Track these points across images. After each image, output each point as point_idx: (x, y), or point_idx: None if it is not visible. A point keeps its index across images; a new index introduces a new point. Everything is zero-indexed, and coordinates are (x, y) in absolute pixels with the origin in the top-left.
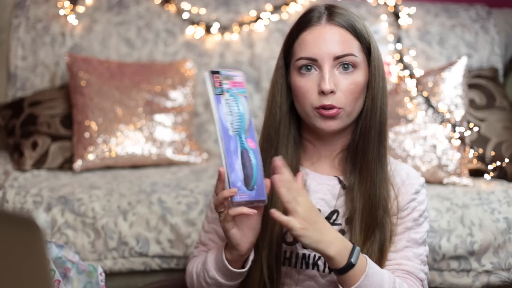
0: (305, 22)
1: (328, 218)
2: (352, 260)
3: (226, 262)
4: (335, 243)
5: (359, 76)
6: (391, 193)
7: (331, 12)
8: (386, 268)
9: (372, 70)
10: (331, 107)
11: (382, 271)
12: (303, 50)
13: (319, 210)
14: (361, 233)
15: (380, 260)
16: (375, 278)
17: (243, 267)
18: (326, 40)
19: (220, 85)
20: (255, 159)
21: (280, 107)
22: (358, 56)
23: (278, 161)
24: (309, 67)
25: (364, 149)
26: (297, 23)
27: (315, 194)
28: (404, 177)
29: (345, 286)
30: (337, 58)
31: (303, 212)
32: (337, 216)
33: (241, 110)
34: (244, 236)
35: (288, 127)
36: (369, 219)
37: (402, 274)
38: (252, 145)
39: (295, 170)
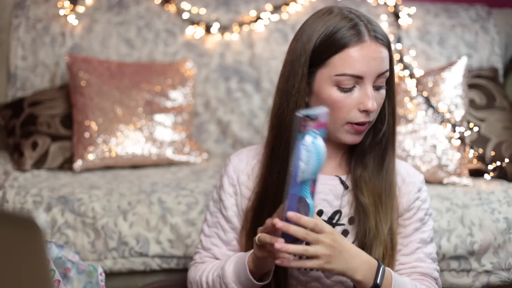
0: (348, 36)
1: (331, 218)
2: (378, 281)
3: (251, 276)
4: (361, 268)
5: (384, 90)
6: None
7: (373, 28)
8: (401, 272)
9: (394, 79)
10: (364, 123)
11: (404, 281)
12: (349, 67)
13: (322, 210)
14: (379, 225)
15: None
16: None
17: (261, 279)
18: (373, 59)
19: (305, 128)
20: (311, 206)
21: (291, 112)
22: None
23: (293, 215)
24: (351, 84)
25: (382, 155)
26: (337, 35)
27: (318, 195)
28: (404, 175)
29: None
30: (378, 76)
31: (328, 243)
32: (340, 216)
33: (317, 163)
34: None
35: None
36: (384, 212)
37: (419, 277)
38: (312, 189)
39: None
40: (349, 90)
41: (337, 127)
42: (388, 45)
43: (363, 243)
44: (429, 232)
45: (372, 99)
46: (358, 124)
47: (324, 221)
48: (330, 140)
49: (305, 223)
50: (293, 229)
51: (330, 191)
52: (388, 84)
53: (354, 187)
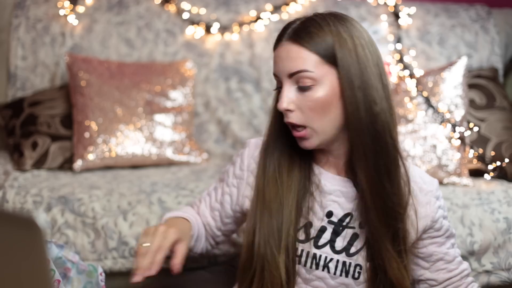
0: (276, 40)
1: (341, 220)
2: None
3: None
4: None
5: (318, 92)
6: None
7: (296, 27)
8: (454, 279)
9: (345, 80)
10: (296, 126)
11: None
12: (273, 67)
13: (331, 212)
14: (385, 243)
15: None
16: None
17: None
18: (282, 58)
19: None
20: None
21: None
22: (316, 71)
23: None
24: (279, 83)
25: (362, 163)
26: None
27: (329, 196)
28: (420, 183)
29: None
30: (291, 75)
31: None
32: (350, 219)
33: None
34: None
35: None
36: (389, 229)
37: (469, 279)
38: None
39: (308, 167)
40: (279, 89)
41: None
42: (308, 44)
43: (373, 250)
44: (454, 235)
45: (284, 98)
46: (292, 127)
47: (334, 222)
48: (331, 141)
49: None
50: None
51: (341, 193)
52: (342, 84)
53: (361, 196)
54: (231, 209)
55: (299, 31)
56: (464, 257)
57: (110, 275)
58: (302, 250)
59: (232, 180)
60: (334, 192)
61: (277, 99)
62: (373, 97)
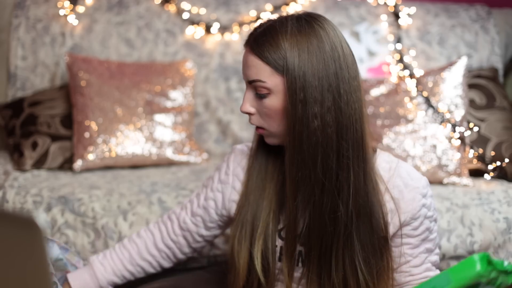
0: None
1: None
2: None
3: None
4: None
5: (272, 101)
6: (389, 199)
7: (256, 35)
8: (413, 283)
9: (291, 94)
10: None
11: None
12: None
13: None
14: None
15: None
16: None
17: None
18: (243, 64)
19: None
20: None
21: None
22: (268, 81)
23: None
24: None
25: (301, 170)
26: None
27: None
28: (406, 179)
29: None
30: (250, 82)
31: None
32: None
33: None
34: None
35: None
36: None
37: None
38: None
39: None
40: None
41: None
42: (262, 55)
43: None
44: (434, 240)
45: (244, 102)
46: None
47: None
48: None
49: None
50: None
51: None
52: (288, 101)
53: None
54: (216, 213)
55: (257, 40)
56: (464, 257)
57: None
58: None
59: (217, 185)
60: None
61: None
62: (314, 112)
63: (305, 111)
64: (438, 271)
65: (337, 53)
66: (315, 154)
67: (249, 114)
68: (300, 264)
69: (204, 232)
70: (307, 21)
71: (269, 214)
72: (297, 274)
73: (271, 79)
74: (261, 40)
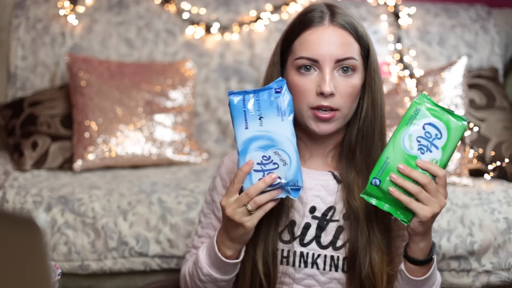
0: (307, 20)
1: (324, 214)
2: (433, 256)
3: (220, 255)
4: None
5: (357, 79)
6: None
7: (334, 13)
8: None
9: (372, 73)
10: (328, 109)
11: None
12: (304, 50)
13: (314, 207)
14: (371, 238)
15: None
16: (436, 271)
17: (236, 258)
18: (329, 42)
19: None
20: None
21: None
22: (358, 59)
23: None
24: (308, 67)
25: (367, 151)
26: (298, 21)
27: (310, 191)
28: None
29: (416, 275)
30: (338, 61)
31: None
32: (334, 212)
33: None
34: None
35: None
36: (379, 224)
37: None
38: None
39: None
40: (307, 73)
41: (303, 115)
42: (355, 33)
43: (355, 246)
44: None
45: (329, 82)
46: (319, 109)
47: (317, 217)
48: (313, 135)
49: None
50: (415, 174)
51: (322, 187)
52: (369, 76)
53: (346, 188)
54: None
55: (344, 18)
56: (464, 257)
57: (110, 275)
58: (289, 251)
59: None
60: (315, 187)
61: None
62: (383, 96)
63: (382, 88)
64: None
65: None
66: (382, 133)
67: (331, 95)
68: (327, 269)
69: None
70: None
71: (270, 217)
72: (323, 278)
73: (359, 58)
74: (350, 20)
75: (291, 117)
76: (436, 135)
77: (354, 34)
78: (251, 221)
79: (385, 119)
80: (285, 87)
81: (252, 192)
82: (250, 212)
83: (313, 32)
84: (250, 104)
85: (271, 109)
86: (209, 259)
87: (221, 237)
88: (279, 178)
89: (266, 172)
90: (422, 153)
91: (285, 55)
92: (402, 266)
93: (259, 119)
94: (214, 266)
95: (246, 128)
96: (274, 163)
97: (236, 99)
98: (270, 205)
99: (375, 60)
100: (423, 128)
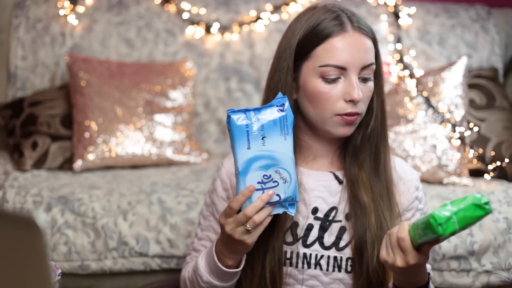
0: (330, 27)
1: (327, 215)
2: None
3: (220, 265)
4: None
5: (372, 83)
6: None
7: (353, 18)
8: None
9: (381, 74)
10: (355, 114)
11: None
12: (332, 57)
13: (317, 208)
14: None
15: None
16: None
17: (236, 266)
18: (357, 49)
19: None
20: None
21: None
22: (376, 64)
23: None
24: (335, 75)
25: (376, 150)
26: (319, 27)
27: (312, 192)
28: (400, 172)
29: None
30: (364, 68)
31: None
32: (336, 213)
33: None
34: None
35: None
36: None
37: None
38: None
39: None
40: (334, 81)
41: (325, 120)
42: (373, 38)
43: (362, 241)
44: None
45: (358, 89)
46: (346, 115)
47: (320, 218)
48: (321, 136)
49: None
50: None
51: (324, 188)
52: (376, 79)
53: (350, 185)
54: None
55: (361, 23)
56: (464, 257)
57: (110, 275)
58: (292, 252)
59: (222, 204)
60: (317, 188)
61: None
62: (385, 95)
63: (383, 93)
64: (428, 265)
65: None
66: (384, 138)
67: (359, 101)
68: (331, 269)
69: None
70: None
71: (275, 224)
72: (327, 279)
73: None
74: (368, 26)
75: (291, 134)
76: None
77: (373, 40)
78: (251, 239)
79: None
80: (287, 105)
81: (250, 212)
82: (249, 231)
83: (340, 40)
84: (253, 124)
85: (274, 129)
86: (209, 267)
87: (221, 249)
88: (278, 195)
89: (265, 190)
90: None
91: (301, 60)
92: None
93: (262, 138)
94: (214, 274)
95: (248, 148)
96: (274, 181)
97: (238, 118)
98: (268, 220)
99: (381, 62)
100: None
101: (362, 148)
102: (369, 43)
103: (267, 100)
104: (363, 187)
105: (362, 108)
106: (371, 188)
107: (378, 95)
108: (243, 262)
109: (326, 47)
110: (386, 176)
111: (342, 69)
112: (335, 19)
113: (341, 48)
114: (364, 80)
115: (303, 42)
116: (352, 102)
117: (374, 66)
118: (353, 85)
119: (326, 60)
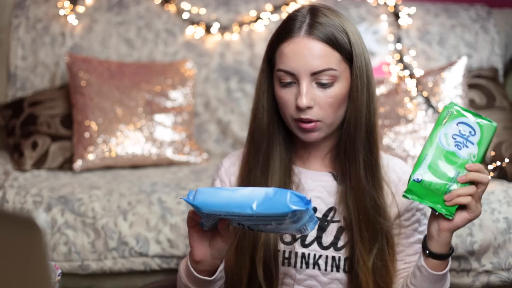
0: (285, 32)
1: (325, 215)
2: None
3: (194, 271)
4: None
5: (338, 89)
6: (388, 191)
7: (312, 23)
8: (409, 270)
9: (354, 79)
10: (308, 121)
11: None
12: (282, 63)
13: (315, 208)
14: (363, 243)
15: (384, 266)
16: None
17: (211, 275)
18: (303, 56)
19: None
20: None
21: (267, 110)
22: (338, 68)
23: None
24: (288, 80)
25: (350, 159)
26: (277, 31)
27: (311, 192)
28: (399, 173)
29: (438, 269)
30: (314, 73)
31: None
32: (334, 213)
33: None
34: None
35: (277, 128)
36: (370, 229)
37: None
38: None
39: (287, 170)
40: (289, 85)
41: (289, 124)
42: (332, 43)
43: (353, 248)
44: (423, 232)
45: (305, 96)
46: (301, 121)
47: (318, 218)
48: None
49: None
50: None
51: (323, 188)
52: (352, 83)
53: (344, 191)
54: None
55: (317, 28)
56: (464, 257)
57: (110, 275)
58: (290, 252)
59: None
60: (316, 188)
61: (257, 105)
62: (373, 94)
63: (369, 95)
64: None
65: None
66: (369, 138)
67: (308, 108)
68: (329, 269)
69: None
70: (336, 10)
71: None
72: (325, 279)
73: (340, 66)
74: (323, 28)
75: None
76: (470, 132)
77: (331, 44)
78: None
79: (375, 124)
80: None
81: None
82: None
83: (288, 45)
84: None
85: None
86: (187, 271)
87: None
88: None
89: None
90: (459, 149)
91: (271, 62)
92: (423, 262)
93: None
94: (191, 279)
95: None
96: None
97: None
98: None
99: (361, 66)
100: (457, 126)
101: (346, 157)
102: (322, 49)
103: (257, 104)
104: (351, 199)
105: (317, 114)
106: (359, 200)
107: (351, 101)
108: (218, 272)
109: (279, 53)
110: (370, 185)
111: (291, 74)
112: (287, 24)
113: (288, 54)
114: (323, 85)
115: (269, 46)
116: (299, 108)
117: (332, 72)
118: (300, 91)
119: (278, 65)
